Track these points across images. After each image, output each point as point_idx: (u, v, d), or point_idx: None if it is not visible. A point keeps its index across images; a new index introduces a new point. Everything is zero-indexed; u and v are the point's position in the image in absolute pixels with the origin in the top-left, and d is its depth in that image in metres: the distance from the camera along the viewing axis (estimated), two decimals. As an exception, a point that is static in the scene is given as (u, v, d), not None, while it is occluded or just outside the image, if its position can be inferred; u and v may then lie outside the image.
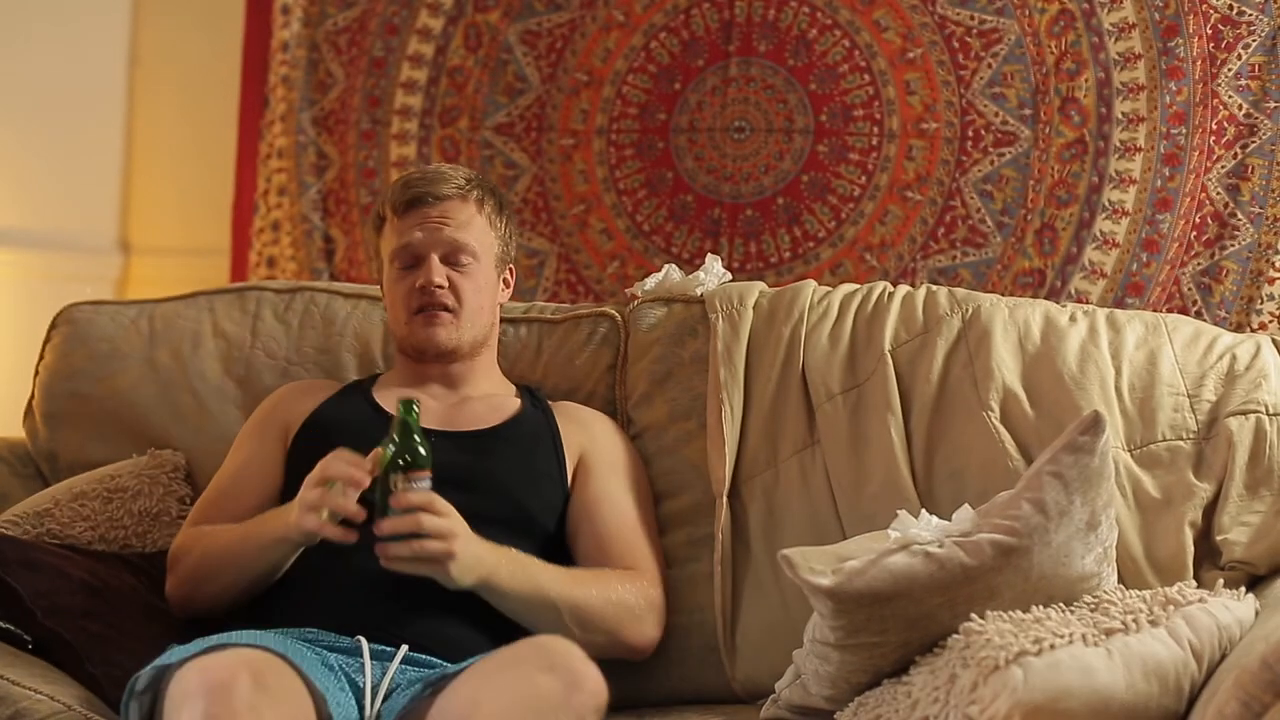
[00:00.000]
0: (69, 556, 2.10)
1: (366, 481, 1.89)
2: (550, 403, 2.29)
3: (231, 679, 1.62)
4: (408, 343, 2.23)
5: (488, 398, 2.25)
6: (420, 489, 1.92)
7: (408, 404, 1.93)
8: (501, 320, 2.36)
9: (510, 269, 2.32)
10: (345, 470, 1.90)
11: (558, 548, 2.15)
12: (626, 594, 2.09)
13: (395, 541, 1.90)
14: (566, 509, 2.18)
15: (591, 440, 2.25)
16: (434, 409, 2.19)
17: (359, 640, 1.92)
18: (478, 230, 2.22)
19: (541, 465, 2.18)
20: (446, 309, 2.19)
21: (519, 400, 2.27)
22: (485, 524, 2.03)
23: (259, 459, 2.20)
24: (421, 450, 1.92)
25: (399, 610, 1.98)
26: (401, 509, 1.90)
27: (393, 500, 1.90)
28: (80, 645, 1.92)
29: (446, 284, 2.18)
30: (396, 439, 1.91)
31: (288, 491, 2.14)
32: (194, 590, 2.07)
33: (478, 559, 1.96)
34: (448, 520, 1.92)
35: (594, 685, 1.70)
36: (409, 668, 1.93)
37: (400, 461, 1.91)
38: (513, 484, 2.12)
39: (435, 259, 2.18)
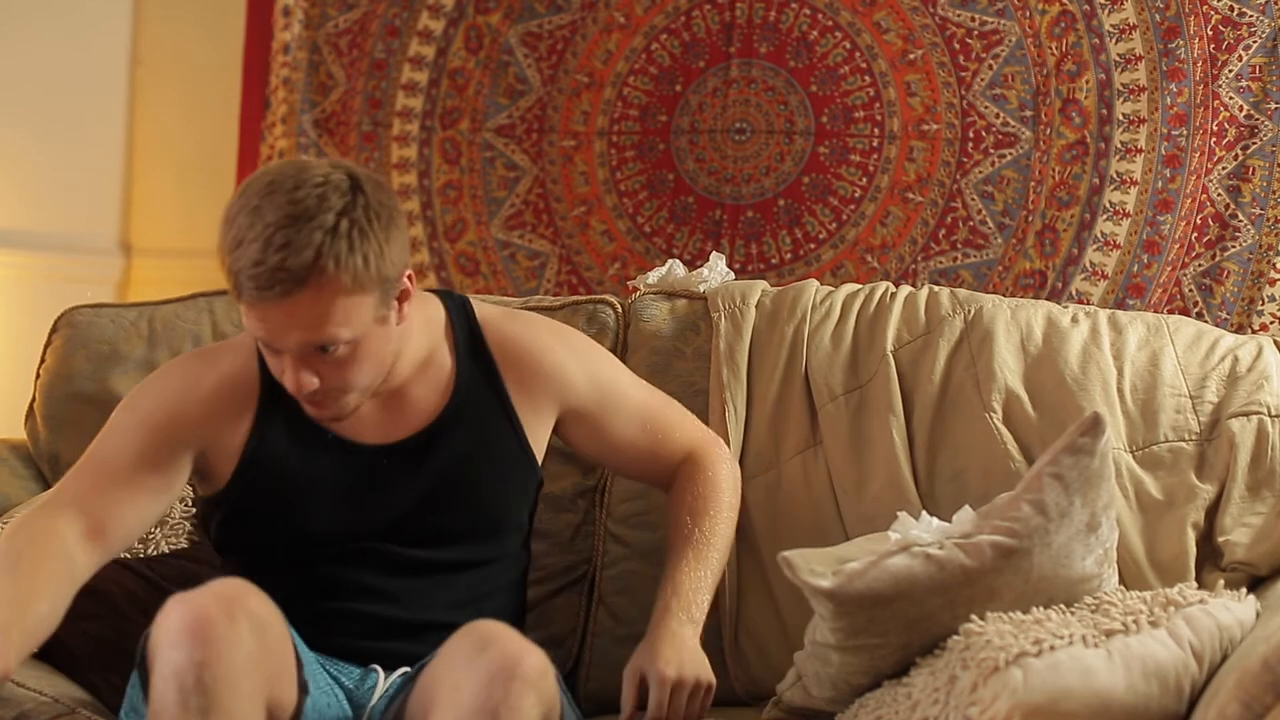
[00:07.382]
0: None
1: None
2: (494, 352, 1.99)
3: (207, 612, 1.59)
4: None
5: (423, 378, 1.96)
6: None
7: None
8: None
9: (405, 284, 1.84)
10: None
11: (529, 531, 2.05)
12: (712, 493, 2.05)
13: None
14: (538, 486, 2.03)
15: (563, 392, 2.02)
16: (371, 416, 1.94)
17: (374, 668, 1.87)
18: (339, 315, 1.76)
19: (499, 454, 1.97)
20: (328, 397, 1.84)
21: (452, 366, 1.97)
22: (450, 537, 1.95)
23: (156, 477, 1.91)
24: None
25: (410, 643, 1.90)
26: None
27: None
28: (80, 650, 1.91)
29: (317, 383, 1.80)
30: None
31: (229, 525, 1.94)
32: None
33: (677, 649, 1.88)
34: (660, 689, 1.85)
35: (533, 659, 1.63)
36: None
37: None
38: (465, 494, 1.95)
39: (292, 360, 1.80)
